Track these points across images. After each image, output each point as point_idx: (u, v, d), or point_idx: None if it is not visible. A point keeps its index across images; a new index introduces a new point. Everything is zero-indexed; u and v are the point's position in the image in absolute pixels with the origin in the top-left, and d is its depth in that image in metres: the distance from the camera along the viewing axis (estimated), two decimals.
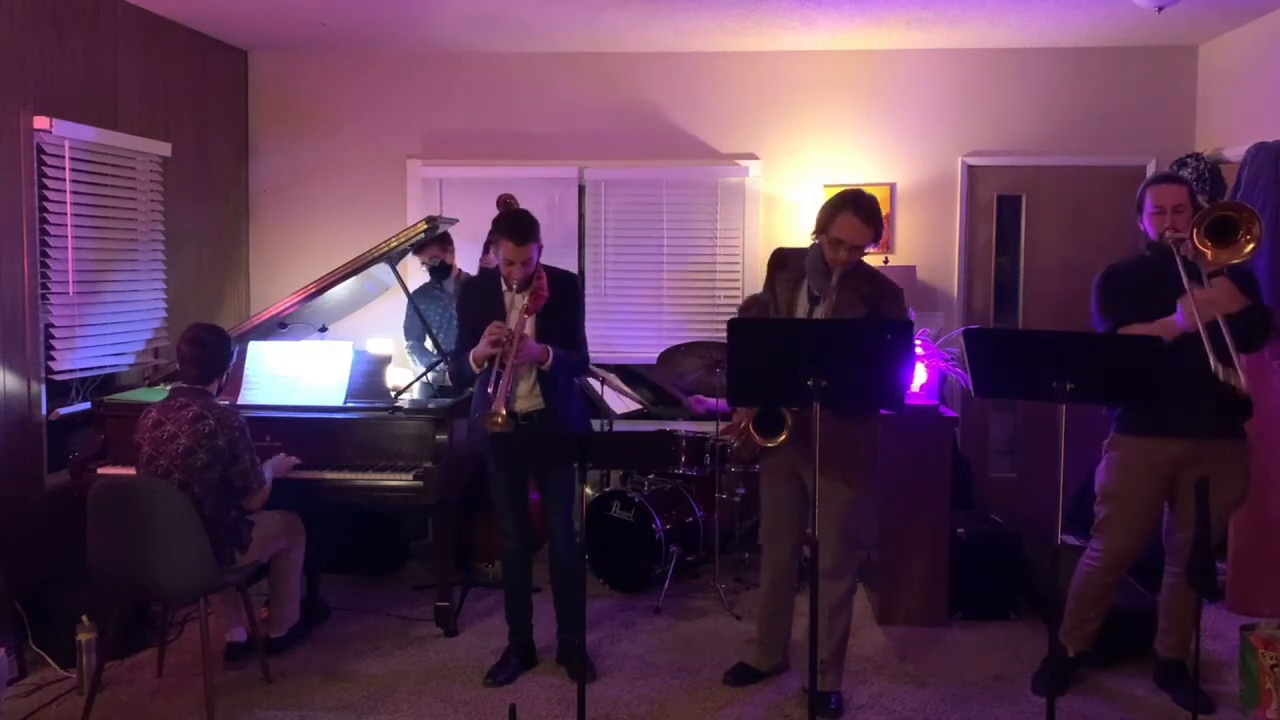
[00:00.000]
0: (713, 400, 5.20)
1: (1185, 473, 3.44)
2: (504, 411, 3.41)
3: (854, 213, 3.22)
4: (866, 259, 3.43)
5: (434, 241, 4.94)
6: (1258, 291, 3.43)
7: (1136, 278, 3.50)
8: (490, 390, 3.49)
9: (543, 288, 3.64)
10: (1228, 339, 3.09)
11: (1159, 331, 3.26)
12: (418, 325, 4.87)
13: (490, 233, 4.37)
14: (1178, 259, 3.27)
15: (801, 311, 3.38)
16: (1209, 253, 3.15)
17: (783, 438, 3.32)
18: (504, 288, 3.66)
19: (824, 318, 3.25)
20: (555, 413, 3.71)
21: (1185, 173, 4.97)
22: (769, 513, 3.62)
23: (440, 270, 4.96)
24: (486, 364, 3.58)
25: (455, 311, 4.29)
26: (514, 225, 3.59)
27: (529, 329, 3.62)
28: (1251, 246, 3.13)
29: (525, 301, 3.59)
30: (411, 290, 5.13)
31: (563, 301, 3.71)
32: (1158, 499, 3.53)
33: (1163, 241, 3.38)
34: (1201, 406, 3.16)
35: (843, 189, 3.42)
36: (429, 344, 4.85)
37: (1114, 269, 3.59)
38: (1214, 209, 3.20)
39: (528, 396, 3.70)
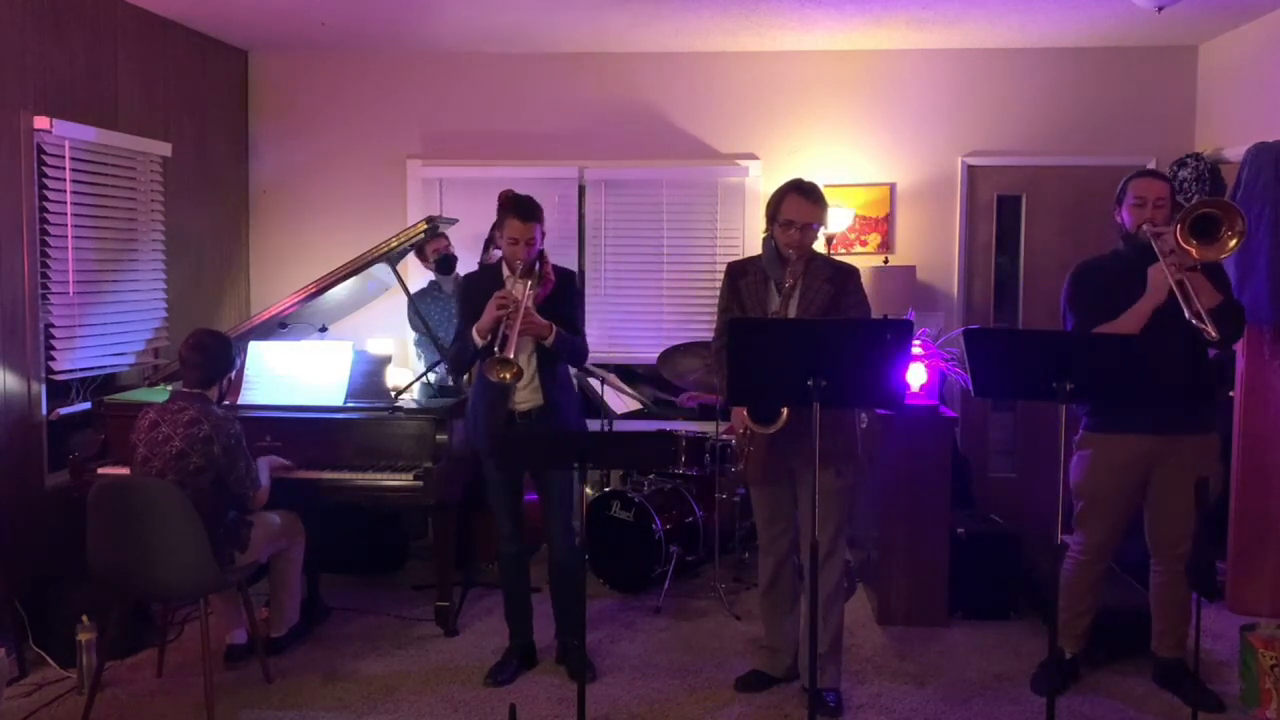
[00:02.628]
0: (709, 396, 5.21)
1: (1157, 468, 3.50)
2: (511, 356, 3.38)
3: (797, 193, 3.39)
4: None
5: (438, 235, 4.94)
6: (1228, 286, 3.51)
7: (1109, 275, 3.54)
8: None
9: (549, 272, 3.66)
10: (1194, 296, 3.18)
11: (1131, 324, 3.33)
12: (420, 324, 4.89)
13: (493, 225, 4.40)
14: (1156, 251, 3.33)
15: (775, 308, 3.42)
16: (1194, 250, 3.19)
17: (782, 420, 3.32)
18: (505, 272, 3.65)
19: (790, 299, 3.33)
20: (556, 409, 3.71)
21: (1185, 173, 4.98)
22: (765, 521, 3.61)
23: (446, 262, 4.92)
24: (489, 336, 3.54)
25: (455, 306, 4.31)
26: (519, 203, 3.63)
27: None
28: (1235, 242, 3.19)
29: (531, 286, 3.57)
30: (413, 291, 5.15)
31: (563, 295, 3.73)
32: (1132, 493, 3.57)
33: (1140, 234, 3.44)
34: (1173, 400, 3.20)
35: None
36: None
37: (1087, 266, 3.63)
38: (1196, 206, 3.24)
39: (527, 392, 3.69)
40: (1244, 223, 3.19)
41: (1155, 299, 3.34)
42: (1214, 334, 3.16)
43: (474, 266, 4.96)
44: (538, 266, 3.63)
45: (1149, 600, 3.73)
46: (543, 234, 3.65)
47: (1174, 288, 3.24)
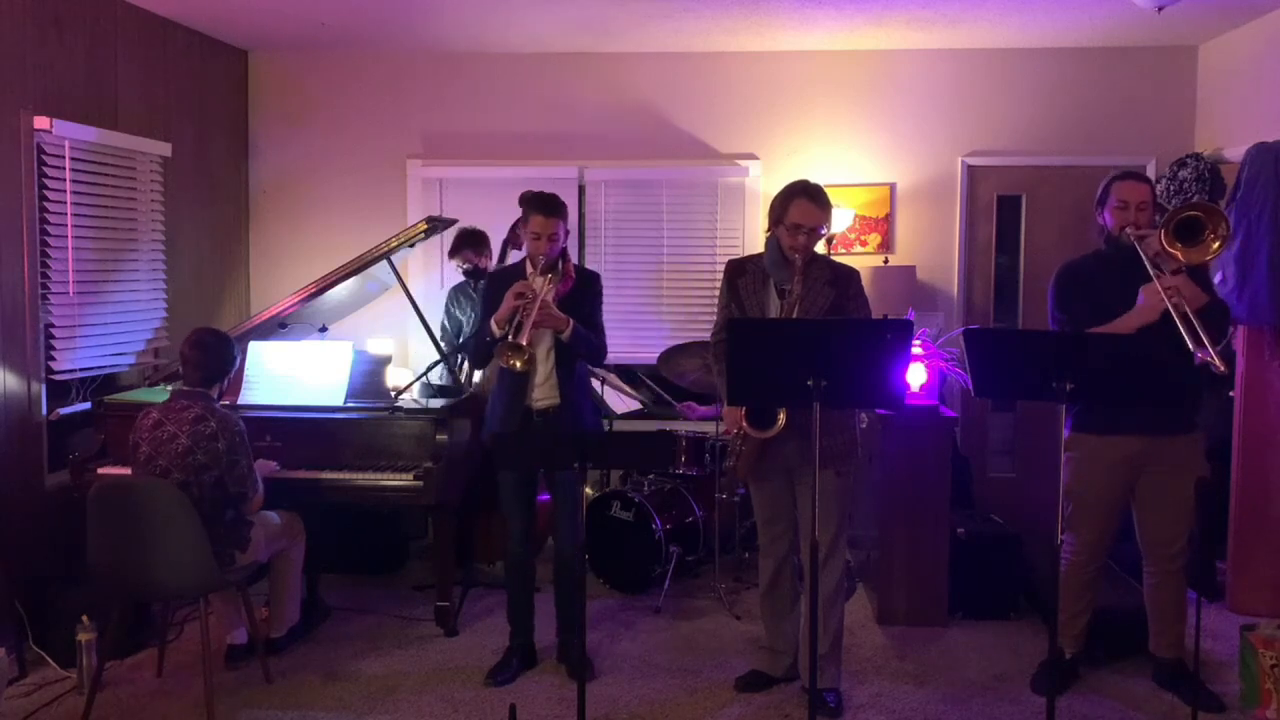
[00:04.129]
0: (706, 408, 5.22)
1: (1144, 469, 3.51)
2: (524, 343, 3.38)
3: (806, 198, 3.37)
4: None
5: (468, 245, 4.94)
6: (1211, 287, 3.51)
7: (1093, 275, 3.55)
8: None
9: (570, 270, 3.68)
10: (1196, 323, 3.17)
11: (1121, 328, 3.34)
12: (455, 322, 4.92)
13: (513, 225, 4.45)
14: (1142, 255, 3.33)
15: (774, 309, 3.43)
16: (1179, 253, 3.22)
17: (779, 425, 3.33)
18: (529, 270, 3.67)
19: (795, 306, 3.32)
20: (572, 408, 3.72)
21: (1185, 173, 4.98)
22: (765, 522, 3.62)
23: (475, 274, 4.94)
24: (507, 327, 3.53)
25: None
26: (543, 199, 3.64)
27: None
28: (1218, 245, 3.23)
29: (551, 281, 3.59)
30: (447, 288, 5.18)
31: (584, 294, 3.76)
32: (1120, 492, 3.57)
33: (1123, 238, 3.45)
34: (1173, 401, 3.19)
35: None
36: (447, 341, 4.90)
37: (1070, 266, 3.64)
38: (1180, 210, 3.26)
39: (545, 390, 3.70)
40: (1227, 226, 3.23)
41: (1146, 319, 3.32)
42: (1221, 368, 3.11)
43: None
44: (560, 264, 3.65)
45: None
46: (566, 231, 3.67)
47: (1171, 310, 3.22)
